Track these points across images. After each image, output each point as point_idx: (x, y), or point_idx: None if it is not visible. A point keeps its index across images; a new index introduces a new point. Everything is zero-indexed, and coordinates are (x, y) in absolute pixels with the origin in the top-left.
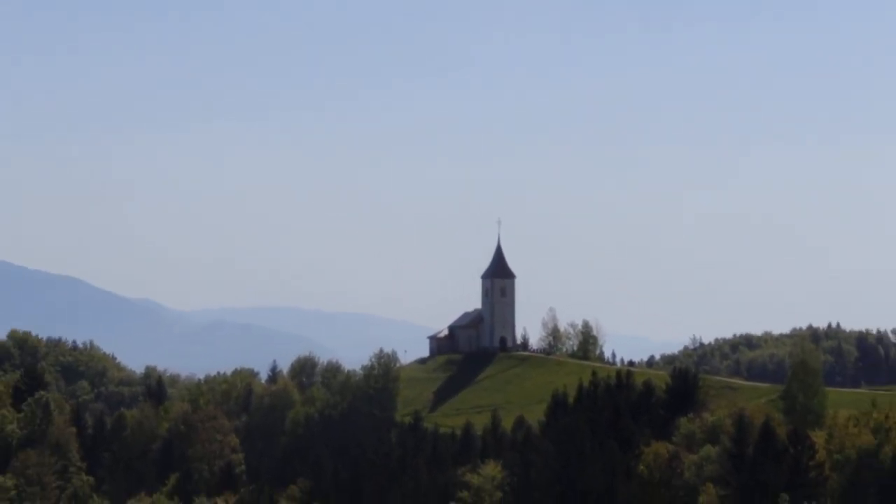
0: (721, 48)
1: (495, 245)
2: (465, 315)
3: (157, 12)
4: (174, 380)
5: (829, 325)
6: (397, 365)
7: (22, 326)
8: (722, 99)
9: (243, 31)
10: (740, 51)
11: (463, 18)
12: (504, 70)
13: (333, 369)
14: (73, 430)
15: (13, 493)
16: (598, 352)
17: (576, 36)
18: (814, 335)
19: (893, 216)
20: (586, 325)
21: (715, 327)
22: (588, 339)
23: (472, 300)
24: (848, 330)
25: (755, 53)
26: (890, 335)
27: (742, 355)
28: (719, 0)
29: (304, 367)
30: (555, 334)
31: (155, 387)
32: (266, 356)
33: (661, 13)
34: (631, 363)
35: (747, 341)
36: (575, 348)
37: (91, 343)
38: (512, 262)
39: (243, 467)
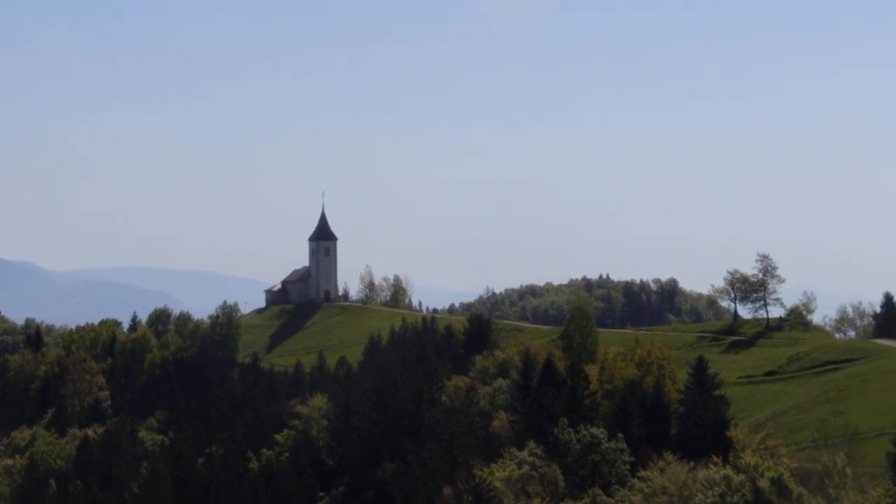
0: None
1: (320, 212)
2: (296, 272)
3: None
4: (50, 330)
5: (600, 276)
6: (238, 314)
7: None
8: (517, 88)
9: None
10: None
11: (303, 25)
12: (336, 73)
13: (185, 319)
14: None
15: None
16: (406, 301)
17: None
18: (587, 285)
19: (657, 187)
20: (397, 279)
21: (505, 279)
22: (398, 291)
23: (301, 259)
24: (616, 280)
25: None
26: (651, 284)
27: (528, 303)
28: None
29: (159, 318)
30: (370, 287)
31: (34, 336)
32: (127, 309)
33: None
34: (434, 310)
35: (532, 291)
36: (388, 298)
37: None
38: (334, 227)
39: (109, 402)
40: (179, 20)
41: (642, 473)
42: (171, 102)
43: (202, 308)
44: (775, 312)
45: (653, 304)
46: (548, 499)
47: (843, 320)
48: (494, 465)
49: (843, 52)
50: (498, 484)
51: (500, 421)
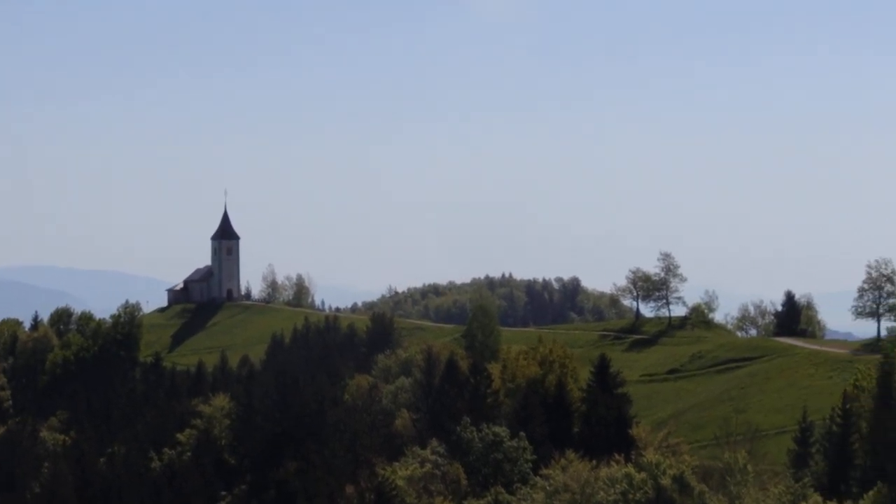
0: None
1: (222, 211)
2: (198, 271)
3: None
4: None
5: (503, 275)
6: (140, 314)
7: None
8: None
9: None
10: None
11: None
12: (236, 70)
13: (87, 318)
14: None
15: None
16: (310, 300)
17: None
18: (490, 283)
19: (559, 186)
20: (300, 278)
21: (407, 278)
22: (301, 290)
23: (203, 258)
24: (518, 279)
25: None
26: (553, 283)
27: (430, 301)
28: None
29: (61, 317)
30: (273, 286)
31: None
32: (29, 308)
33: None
34: (337, 309)
35: (435, 290)
36: (291, 297)
37: None
38: (237, 226)
39: (10, 402)
40: (84, 13)
41: (544, 472)
42: (73, 98)
43: (105, 307)
44: (677, 311)
45: (555, 302)
46: (450, 497)
47: (744, 318)
48: (397, 464)
49: (754, 49)
50: (400, 482)
51: (403, 420)
